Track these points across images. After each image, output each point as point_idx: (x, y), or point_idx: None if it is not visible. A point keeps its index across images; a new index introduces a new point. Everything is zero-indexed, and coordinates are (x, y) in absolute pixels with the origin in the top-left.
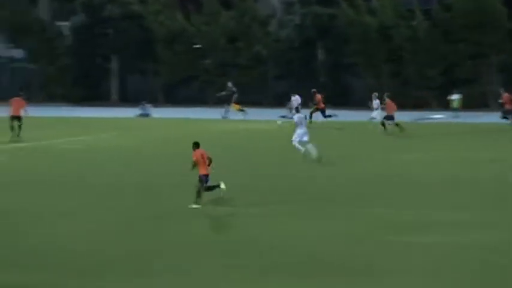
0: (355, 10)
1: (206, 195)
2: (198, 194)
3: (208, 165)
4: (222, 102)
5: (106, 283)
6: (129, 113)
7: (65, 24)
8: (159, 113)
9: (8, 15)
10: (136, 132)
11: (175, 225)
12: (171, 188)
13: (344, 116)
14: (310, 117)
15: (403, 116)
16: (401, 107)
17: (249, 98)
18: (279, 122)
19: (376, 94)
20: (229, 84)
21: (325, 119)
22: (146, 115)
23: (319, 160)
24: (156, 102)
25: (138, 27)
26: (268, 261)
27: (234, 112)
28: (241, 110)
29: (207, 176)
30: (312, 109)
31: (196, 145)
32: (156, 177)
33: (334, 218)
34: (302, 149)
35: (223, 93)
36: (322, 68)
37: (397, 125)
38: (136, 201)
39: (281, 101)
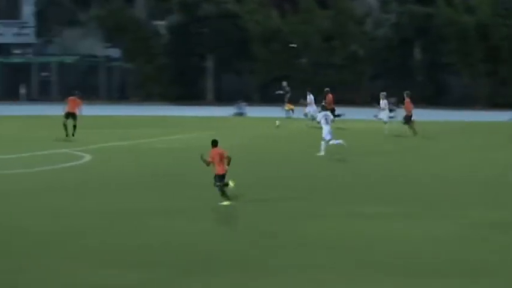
0: (453, 9)
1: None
2: (223, 193)
3: (228, 164)
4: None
5: (217, 281)
6: (224, 112)
7: (161, 23)
8: (254, 111)
9: (104, 15)
10: (232, 131)
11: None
12: (264, 188)
13: (442, 115)
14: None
15: (499, 116)
16: (498, 106)
17: (344, 97)
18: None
19: (385, 94)
20: (284, 83)
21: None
22: (241, 114)
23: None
24: (251, 101)
25: (234, 26)
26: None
27: (285, 111)
28: (291, 110)
29: (222, 175)
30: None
31: (214, 144)
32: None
33: (427, 219)
34: (341, 141)
35: (282, 92)
36: (419, 67)
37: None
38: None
39: (377, 100)
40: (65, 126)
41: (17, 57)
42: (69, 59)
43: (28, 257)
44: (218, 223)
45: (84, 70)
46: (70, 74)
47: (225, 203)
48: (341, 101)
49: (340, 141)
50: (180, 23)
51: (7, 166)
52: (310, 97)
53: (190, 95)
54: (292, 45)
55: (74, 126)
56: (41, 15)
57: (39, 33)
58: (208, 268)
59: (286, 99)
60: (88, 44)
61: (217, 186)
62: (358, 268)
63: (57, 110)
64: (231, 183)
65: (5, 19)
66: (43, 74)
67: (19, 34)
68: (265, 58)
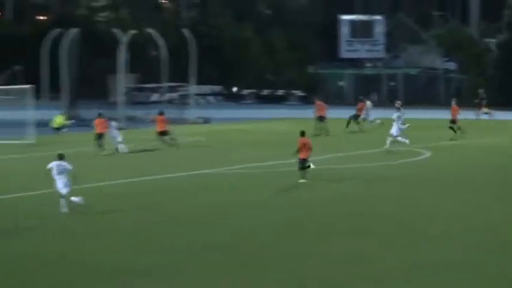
0: None
1: None
2: (302, 173)
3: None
4: None
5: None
6: None
7: (491, 41)
8: None
9: (443, 34)
10: None
11: None
12: None
13: None
14: (347, 124)
15: None
16: None
17: None
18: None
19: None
20: (480, 91)
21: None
22: None
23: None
24: None
25: None
26: None
27: (481, 114)
28: (487, 113)
29: (304, 159)
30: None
31: (302, 134)
32: None
33: None
34: (406, 141)
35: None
36: None
37: (458, 128)
38: None
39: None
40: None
41: (368, 69)
42: (413, 71)
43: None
44: None
45: (425, 81)
46: (413, 83)
47: (302, 180)
48: None
49: (406, 140)
50: (509, 40)
51: (370, 160)
52: (368, 102)
53: None
54: None
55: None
56: (389, 35)
57: (387, 49)
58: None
59: (482, 104)
60: (429, 58)
61: (299, 167)
62: None
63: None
64: (312, 165)
65: (361, 38)
66: (391, 83)
67: (371, 50)
68: None
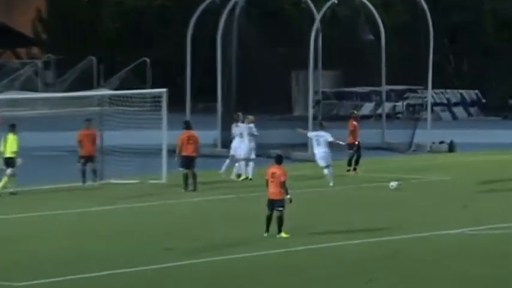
0: None
1: None
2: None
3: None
4: None
5: None
6: None
7: None
8: None
9: None
10: None
11: None
12: None
13: None
14: None
15: None
16: None
17: None
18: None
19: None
20: None
21: None
22: None
23: None
24: None
25: None
26: None
27: None
28: None
29: (273, 200)
30: None
31: (277, 160)
32: None
33: None
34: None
35: None
36: None
37: None
38: None
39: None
40: None
41: None
42: None
43: None
44: None
45: None
46: None
47: (284, 234)
48: None
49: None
50: None
51: None
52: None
53: None
54: None
55: None
56: None
57: None
58: None
59: None
60: None
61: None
62: None
63: None
64: (283, 234)
65: None
66: None
67: None
68: None
